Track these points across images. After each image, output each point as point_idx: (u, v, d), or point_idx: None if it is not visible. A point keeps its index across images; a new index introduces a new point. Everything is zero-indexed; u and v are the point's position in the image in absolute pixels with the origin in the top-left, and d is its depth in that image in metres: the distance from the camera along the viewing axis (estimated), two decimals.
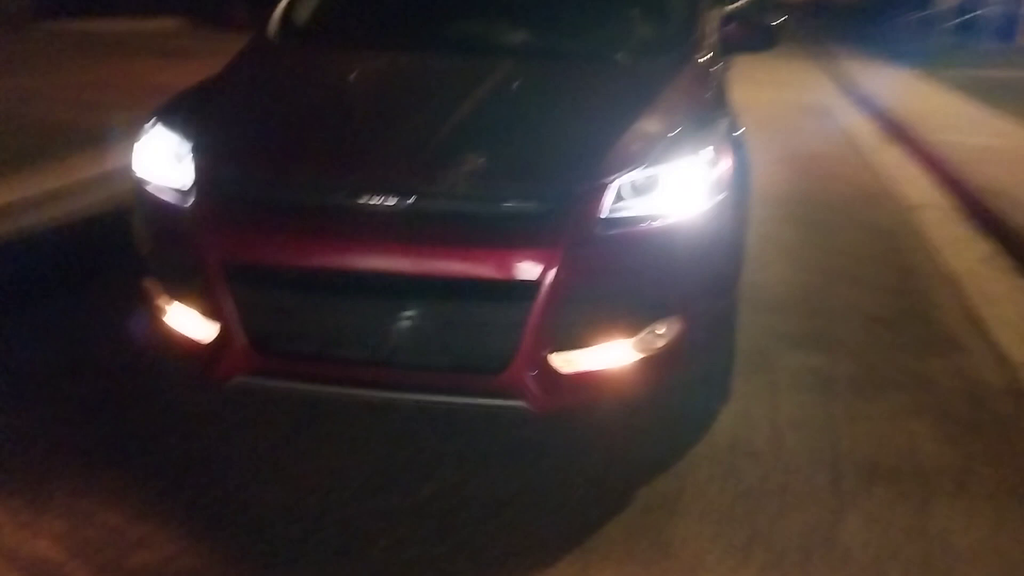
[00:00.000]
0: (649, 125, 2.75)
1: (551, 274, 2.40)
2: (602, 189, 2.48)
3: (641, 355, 2.58)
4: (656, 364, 2.61)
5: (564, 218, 2.45)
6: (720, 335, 2.94)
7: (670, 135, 2.69)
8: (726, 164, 2.71)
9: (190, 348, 2.69)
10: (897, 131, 9.88)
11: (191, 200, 2.63)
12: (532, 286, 2.40)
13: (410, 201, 2.46)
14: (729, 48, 3.61)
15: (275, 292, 2.54)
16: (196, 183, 2.63)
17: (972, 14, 22.76)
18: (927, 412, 3.36)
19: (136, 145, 2.91)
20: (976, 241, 5.75)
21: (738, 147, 2.90)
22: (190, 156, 2.68)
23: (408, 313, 2.48)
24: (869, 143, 9.39)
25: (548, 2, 3.68)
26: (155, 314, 2.81)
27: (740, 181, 2.82)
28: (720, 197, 2.65)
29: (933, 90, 13.73)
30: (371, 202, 2.47)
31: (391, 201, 2.46)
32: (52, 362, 3.46)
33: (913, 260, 5.31)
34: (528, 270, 2.41)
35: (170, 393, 3.21)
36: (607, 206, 2.48)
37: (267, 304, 2.56)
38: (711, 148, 2.68)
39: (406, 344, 2.51)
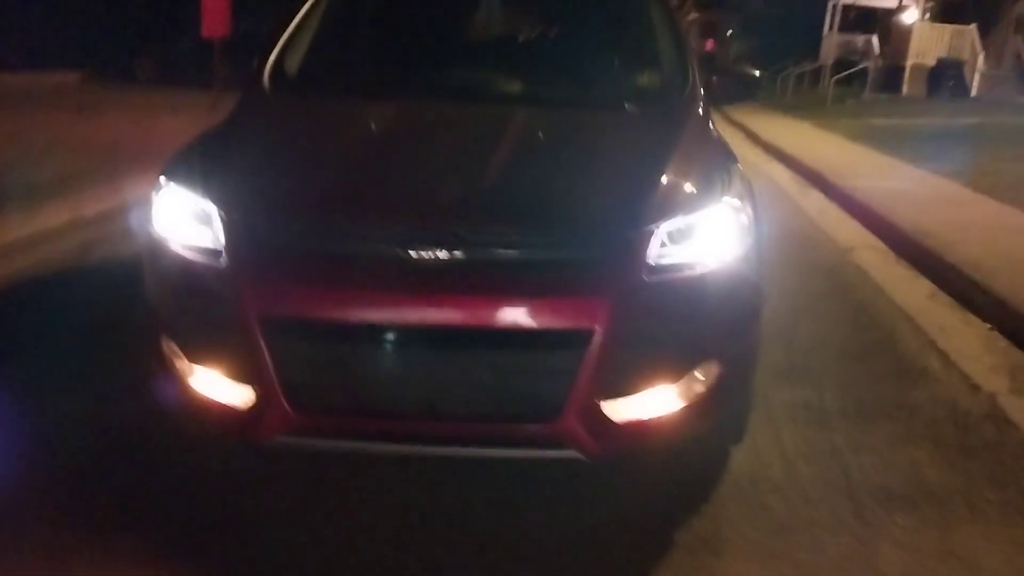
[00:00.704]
0: (678, 173, 2.81)
1: (603, 320, 2.40)
2: (648, 236, 2.51)
3: (684, 401, 2.60)
4: (698, 409, 2.63)
5: (613, 265, 2.47)
6: (748, 377, 2.98)
7: (700, 183, 2.75)
8: (750, 210, 2.79)
9: (222, 410, 2.56)
10: (812, 177, 10.34)
11: (224, 258, 2.52)
12: (585, 333, 2.40)
13: (456, 251, 2.42)
14: (714, 98, 3.74)
15: (316, 348, 2.46)
16: (229, 241, 2.53)
17: (856, 68, 24.12)
18: (921, 440, 3.48)
19: (152, 204, 2.79)
20: (916, 279, 6.03)
21: (751, 193, 2.99)
22: (219, 214, 2.57)
23: (456, 365, 2.45)
24: (790, 189, 9.78)
25: (538, 50, 3.75)
26: (176, 377, 2.65)
27: (757, 225, 2.91)
28: (749, 242, 2.72)
29: (833, 139, 14.47)
30: (416, 252, 2.42)
31: (437, 251, 2.42)
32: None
33: (864, 297, 5.53)
34: (581, 317, 2.41)
35: (178, 453, 3.07)
36: (653, 253, 2.51)
37: (307, 361, 2.46)
38: (738, 195, 2.76)
39: (454, 397, 2.47)
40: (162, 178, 2.81)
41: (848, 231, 7.62)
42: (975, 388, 4.03)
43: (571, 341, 2.41)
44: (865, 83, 23.60)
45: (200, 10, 11.44)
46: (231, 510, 2.79)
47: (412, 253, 2.43)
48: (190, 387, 2.63)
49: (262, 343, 2.41)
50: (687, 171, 2.83)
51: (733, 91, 3.64)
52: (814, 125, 16.15)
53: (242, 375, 2.50)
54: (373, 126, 3.22)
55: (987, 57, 23.76)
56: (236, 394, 2.53)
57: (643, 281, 2.48)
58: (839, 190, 9.15)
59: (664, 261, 2.53)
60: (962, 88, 23.10)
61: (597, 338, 2.40)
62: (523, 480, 2.98)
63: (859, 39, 28.40)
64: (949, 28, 24.34)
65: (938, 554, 2.71)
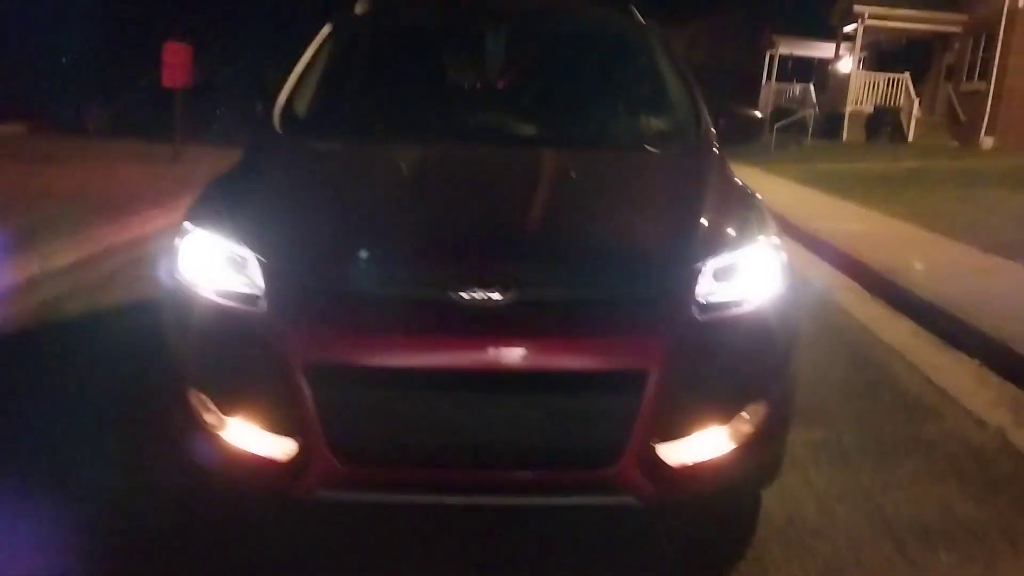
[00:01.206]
0: (715, 212, 2.81)
1: (658, 360, 2.36)
2: (696, 274, 2.48)
3: (734, 442, 2.56)
4: (747, 450, 2.58)
5: (666, 303, 2.44)
6: (789, 417, 2.94)
7: (738, 221, 2.76)
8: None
9: (261, 464, 2.43)
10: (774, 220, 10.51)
11: (264, 304, 2.41)
12: (641, 374, 2.35)
13: (506, 292, 2.36)
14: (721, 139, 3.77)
15: (363, 396, 2.35)
16: (270, 287, 2.42)
17: (795, 116, 24.77)
18: (945, 476, 3.50)
19: (176, 251, 2.66)
20: (896, 318, 6.12)
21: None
22: (257, 259, 2.46)
23: (509, 410, 2.38)
24: None
25: (549, 93, 3.76)
26: (207, 431, 2.50)
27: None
28: (787, 280, 2.72)
29: (784, 183, 14.80)
30: (466, 294, 2.35)
31: (486, 293, 2.35)
32: None
33: (851, 337, 5.60)
34: (637, 357, 2.36)
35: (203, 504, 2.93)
36: (702, 291, 2.48)
37: (353, 409, 2.36)
38: (774, 234, 2.76)
39: (507, 444, 2.39)
40: (187, 224, 2.69)
41: (820, 272, 7.74)
42: (981, 423, 4.08)
43: (627, 383, 2.35)
44: (802, 131, 24.23)
45: (160, 61, 11.29)
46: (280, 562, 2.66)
47: (462, 295, 2.35)
48: (223, 441, 2.48)
49: (306, 391, 2.30)
50: (723, 209, 2.84)
51: (738, 132, 3.66)
52: (763, 171, 16.48)
53: (283, 426, 2.38)
54: (400, 166, 3.14)
55: (921, 104, 24.60)
56: (276, 446, 2.40)
57: (695, 319, 2.45)
58: (802, 232, 9.31)
59: (712, 299, 2.50)
60: (899, 134, 23.84)
61: (653, 379, 2.35)
62: (563, 527, 2.90)
63: (797, 88, 29.26)
64: (884, 76, 25.19)
65: None
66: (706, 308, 2.47)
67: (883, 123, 24.01)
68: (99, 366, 4.35)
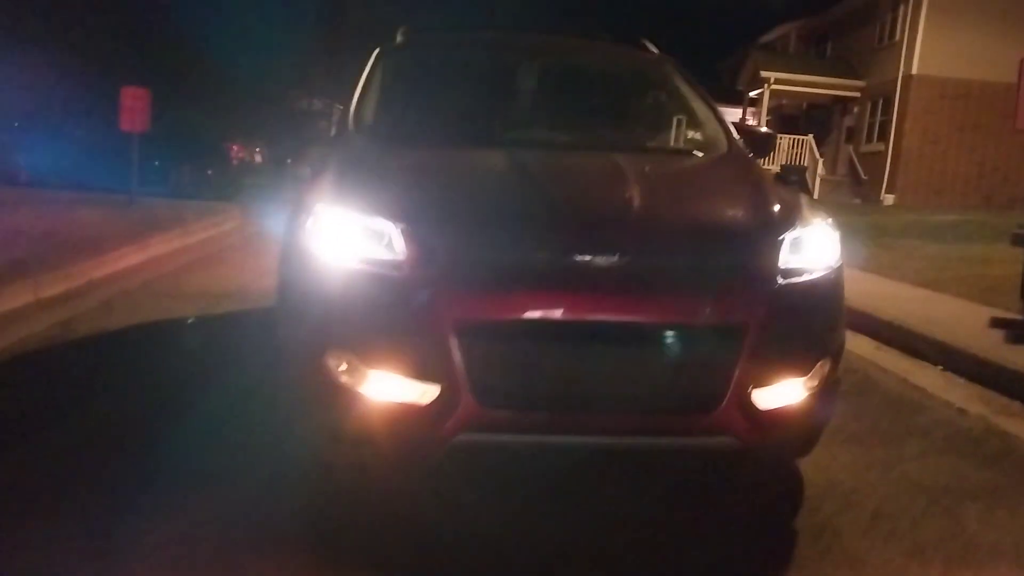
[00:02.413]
0: (779, 198, 3.22)
1: (757, 316, 2.74)
2: (779, 244, 2.90)
3: (807, 393, 2.94)
4: (820, 400, 2.97)
5: (757, 268, 2.83)
6: (839, 379, 3.33)
7: (798, 206, 3.17)
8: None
9: (403, 412, 2.69)
10: None
11: (407, 269, 2.70)
12: (742, 328, 2.73)
13: (625, 257, 2.71)
14: None
15: (500, 346, 2.65)
16: (411, 253, 2.71)
17: None
18: (946, 451, 3.95)
19: (309, 230, 2.90)
20: (855, 336, 6.62)
21: None
22: (399, 229, 2.75)
23: (629, 360, 2.72)
24: None
25: (597, 111, 4.17)
26: (346, 389, 2.74)
27: None
28: (841, 257, 3.14)
29: None
30: (589, 259, 2.70)
31: (608, 257, 2.70)
32: None
33: None
34: (738, 313, 2.75)
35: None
36: (783, 259, 2.88)
37: (491, 359, 2.65)
38: (828, 217, 3.19)
39: (624, 390, 2.72)
40: (319, 205, 2.95)
41: None
42: (963, 412, 4.57)
43: (729, 335, 2.73)
44: None
45: (112, 108, 11.27)
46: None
47: (585, 258, 2.70)
48: (362, 396, 2.72)
49: (452, 343, 2.60)
50: (782, 196, 3.25)
51: (753, 146, 4.08)
52: None
53: (429, 374, 2.65)
54: (490, 160, 3.47)
55: (824, 164, 26.09)
56: (420, 392, 2.66)
57: (779, 283, 2.85)
58: None
59: (790, 266, 2.91)
60: (805, 192, 25.19)
61: (749, 332, 2.73)
62: (642, 493, 3.21)
63: None
64: (788, 138, 26.64)
65: (1019, 527, 3.11)
66: (787, 274, 2.88)
67: (790, 182, 25.29)
68: (153, 363, 4.53)
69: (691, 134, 4.13)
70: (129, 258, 8.11)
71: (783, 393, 2.87)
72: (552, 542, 2.87)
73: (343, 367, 2.75)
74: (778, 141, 26.32)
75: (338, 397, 2.75)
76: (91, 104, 15.29)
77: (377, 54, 4.30)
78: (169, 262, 8.59)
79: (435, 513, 3.00)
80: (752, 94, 27.94)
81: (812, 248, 3.01)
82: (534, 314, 2.65)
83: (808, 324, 2.94)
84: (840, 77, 25.94)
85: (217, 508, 2.96)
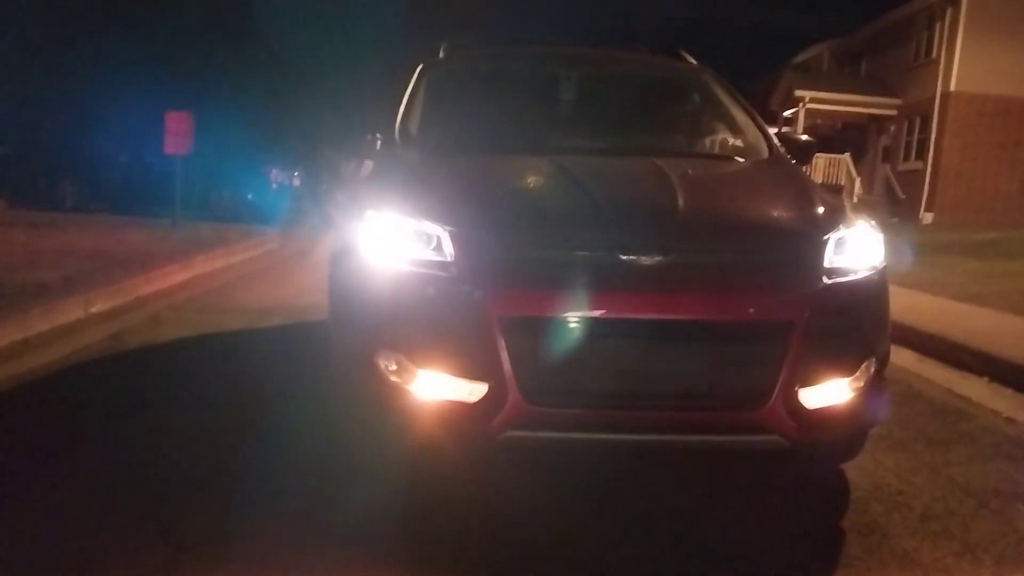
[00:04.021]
0: (823, 201, 3.25)
1: (800, 314, 2.76)
2: (824, 244, 2.92)
3: (853, 393, 2.94)
4: (866, 400, 2.97)
5: (803, 267, 2.86)
6: (886, 379, 3.33)
7: (844, 208, 3.19)
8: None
9: (452, 410, 2.74)
10: None
11: (455, 270, 2.77)
12: (788, 325, 2.75)
13: (669, 256, 2.75)
14: None
15: (546, 344, 2.70)
16: (460, 255, 2.78)
17: None
18: (994, 456, 3.91)
19: (361, 235, 2.98)
20: (898, 349, 6.54)
21: None
22: (447, 232, 2.82)
23: (676, 357, 2.75)
24: None
25: (639, 118, 4.23)
26: (395, 387, 2.81)
27: None
28: (885, 258, 3.15)
29: None
30: (634, 257, 2.74)
31: (653, 256, 2.74)
32: None
33: None
34: (784, 311, 2.77)
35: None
36: (828, 259, 2.90)
37: (538, 357, 2.69)
38: (872, 220, 3.21)
39: (670, 388, 2.75)
40: (370, 211, 3.03)
41: None
42: (1011, 420, 4.52)
43: (776, 333, 2.76)
44: None
45: (138, 137, 11.62)
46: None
47: (631, 257, 2.74)
48: (411, 394, 2.79)
49: (500, 341, 2.65)
50: (826, 200, 3.28)
51: (794, 153, 4.10)
52: None
53: (477, 372, 2.70)
54: (533, 167, 3.52)
55: (861, 183, 25.91)
56: (469, 390, 2.72)
57: (824, 282, 2.87)
58: None
59: (835, 265, 2.93)
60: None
61: (796, 330, 2.75)
62: (689, 498, 3.23)
63: None
64: (824, 157, 26.52)
65: None
66: (831, 273, 2.90)
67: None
68: (201, 373, 4.61)
69: (732, 140, 4.16)
70: (175, 276, 8.27)
71: (829, 393, 2.88)
72: (599, 537, 2.90)
73: (393, 366, 2.81)
74: (814, 160, 26.26)
75: (389, 395, 2.82)
76: (134, 130, 15.61)
77: (421, 69, 4.39)
78: (213, 280, 8.75)
79: (480, 508, 3.04)
80: (786, 113, 27.85)
81: (857, 248, 3.03)
82: (579, 312, 2.69)
83: (854, 324, 2.96)
84: (875, 95, 25.82)
85: (271, 509, 3.03)
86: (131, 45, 18.77)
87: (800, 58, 32.70)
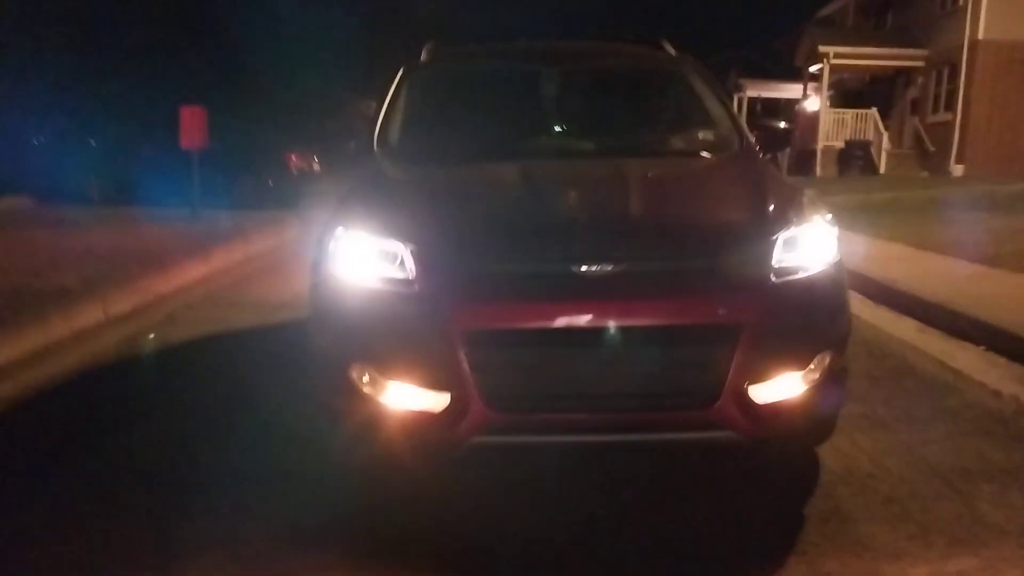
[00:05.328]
0: (776, 198, 3.34)
1: (749, 315, 2.87)
2: (772, 244, 3.01)
3: (808, 386, 3.03)
4: (822, 391, 3.06)
5: (751, 268, 2.95)
6: (845, 371, 3.41)
7: (795, 205, 3.27)
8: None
9: (419, 420, 2.90)
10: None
11: (419, 286, 2.91)
12: (736, 326, 2.86)
13: (621, 264, 2.87)
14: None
15: (506, 353, 2.84)
16: (421, 271, 2.92)
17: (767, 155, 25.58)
18: (973, 433, 3.98)
19: (331, 253, 3.14)
20: (900, 319, 6.65)
21: None
22: (409, 249, 2.96)
23: (629, 361, 2.87)
24: None
25: (608, 116, 4.31)
26: (368, 398, 2.97)
27: None
28: (839, 251, 3.22)
29: None
30: (587, 267, 2.86)
31: (605, 265, 2.86)
32: None
33: (864, 335, 6.07)
34: (732, 313, 2.87)
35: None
36: (776, 259, 2.99)
37: (499, 365, 2.84)
38: (827, 214, 3.28)
39: (625, 390, 2.88)
40: (340, 228, 3.17)
41: None
42: (997, 393, 4.58)
43: (724, 334, 2.86)
44: (776, 168, 25.08)
45: (159, 129, 11.76)
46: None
47: (584, 267, 2.86)
48: (382, 405, 2.95)
49: (461, 352, 2.80)
50: (782, 196, 3.37)
51: (770, 142, 4.18)
52: None
53: (441, 383, 2.85)
54: (501, 175, 3.65)
55: (889, 137, 25.55)
56: (434, 401, 2.88)
57: (773, 282, 2.97)
58: None
59: (783, 265, 3.02)
60: (871, 167, 24.72)
61: (744, 330, 2.85)
62: (666, 487, 3.35)
63: None
64: (851, 112, 26.19)
65: None
66: (780, 272, 2.99)
67: (854, 157, 24.87)
68: (210, 373, 4.84)
69: (704, 134, 4.23)
70: (192, 271, 8.48)
71: (781, 388, 2.97)
72: (568, 532, 3.03)
73: (365, 378, 2.96)
74: (841, 116, 25.96)
75: (361, 406, 2.98)
76: (156, 123, 15.85)
77: (402, 73, 4.50)
78: (230, 274, 8.95)
79: (458, 509, 3.19)
80: (812, 69, 27.48)
81: (808, 245, 3.11)
82: (534, 322, 2.83)
83: (804, 320, 3.04)
84: (901, 47, 25.36)
85: (257, 508, 3.21)
86: (146, 36, 18.97)
87: (825, 12, 32.16)
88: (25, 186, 17.10)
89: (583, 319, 2.83)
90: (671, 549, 2.97)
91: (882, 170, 24.66)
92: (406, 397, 2.92)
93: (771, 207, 3.23)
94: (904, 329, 6.24)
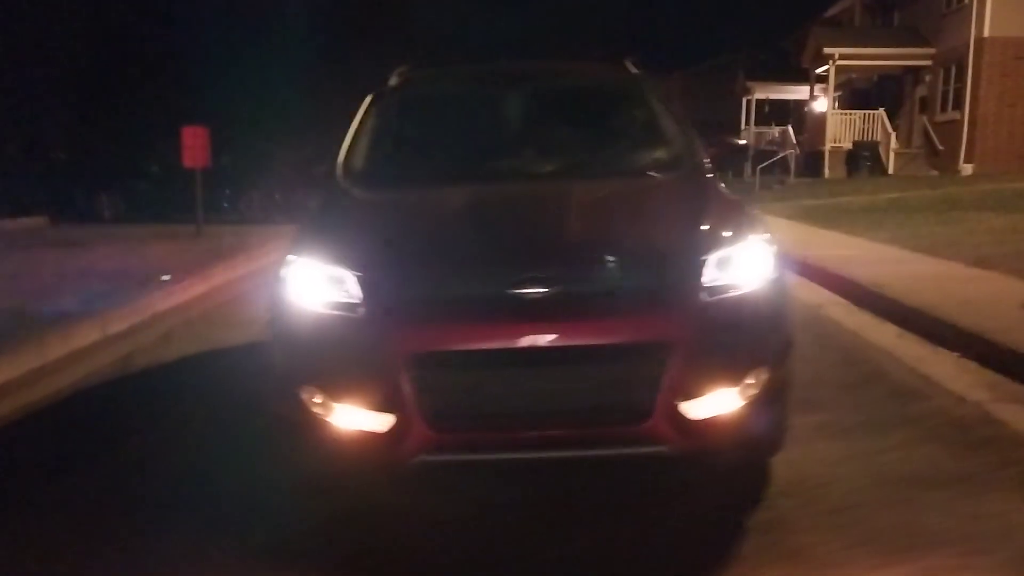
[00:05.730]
0: (714, 218, 3.44)
1: (678, 333, 2.98)
2: (702, 265, 3.12)
3: (744, 401, 3.12)
4: (754, 407, 3.13)
5: (680, 289, 3.07)
6: (788, 385, 3.49)
7: (733, 224, 3.38)
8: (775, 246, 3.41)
9: (365, 440, 3.03)
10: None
11: (363, 310, 3.05)
12: (666, 345, 2.97)
13: (556, 287, 3.00)
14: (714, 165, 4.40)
15: (447, 376, 2.97)
16: (366, 296, 3.06)
17: (775, 156, 25.66)
18: (931, 440, 4.06)
19: (284, 279, 3.28)
20: (882, 324, 6.71)
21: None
22: (354, 276, 3.11)
23: (564, 380, 2.99)
24: None
25: (564, 137, 4.43)
26: (317, 420, 3.10)
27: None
28: (779, 270, 3.32)
29: (771, 219, 15.35)
30: (523, 291, 2.99)
31: (540, 289, 2.99)
32: None
33: (842, 341, 6.18)
34: (662, 331, 2.99)
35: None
36: (707, 278, 3.10)
37: (439, 387, 2.97)
38: (764, 232, 3.38)
39: (563, 408, 3.00)
40: (291, 256, 3.33)
41: (811, 292, 8.32)
42: (962, 400, 4.65)
43: (654, 353, 2.97)
44: (785, 170, 25.10)
45: (164, 148, 12.04)
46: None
47: (520, 291, 2.99)
48: (331, 425, 3.09)
49: (404, 375, 2.93)
50: (720, 215, 3.49)
51: (728, 159, 4.28)
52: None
53: (385, 404, 2.98)
54: (451, 200, 3.80)
55: (898, 136, 25.50)
56: (379, 422, 3.00)
57: (704, 301, 3.08)
58: (793, 259, 9.92)
59: (716, 284, 3.12)
60: (879, 167, 24.67)
61: (674, 348, 2.97)
62: (610, 500, 3.46)
63: (776, 130, 30.30)
64: (859, 113, 26.18)
65: (973, 516, 3.25)
66: (712, 291, 3.10)
67: (862, 158, 24.84)
68: (199, 392, 4.99)
69: (657, 153, 4.34)
70: (192, 289, 8.68)
71: (714, 403, 3.06)
72: (517, 546, 3.15)
73: (316, 399, 3.10)
74: (848, 117, 25.94)
75: (312, 426, 3.12)
76: (163, 140, 16.14)
77: (371, 98, 4.65)
78: (229, 291, 9.12)
79: (409, 523, 3.32)
80: (818, 71, 27.48)
81: (742, 264, 3.20)
82: (472, 344, 2.96)
83: (736, 337, 3.12)
84: (908, 46, 25.32)
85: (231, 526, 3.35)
86: (157, 53, 19.25)
87: (831, 12, 32.13)
88: (41, 207, 17.47)
89: (519, 340, 2.94)
90: (605, 564, 3.07)
91: (891, 170, 24.61)
92: (353, 418, 3.05)
93: (706, 227, 3.34)
94: (884, 335, 6.30)
